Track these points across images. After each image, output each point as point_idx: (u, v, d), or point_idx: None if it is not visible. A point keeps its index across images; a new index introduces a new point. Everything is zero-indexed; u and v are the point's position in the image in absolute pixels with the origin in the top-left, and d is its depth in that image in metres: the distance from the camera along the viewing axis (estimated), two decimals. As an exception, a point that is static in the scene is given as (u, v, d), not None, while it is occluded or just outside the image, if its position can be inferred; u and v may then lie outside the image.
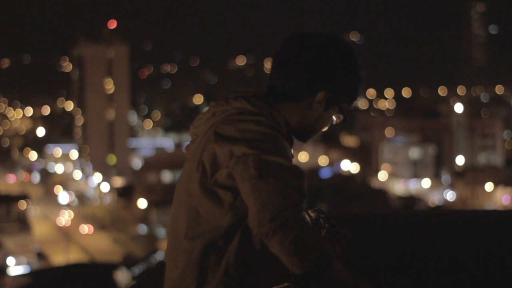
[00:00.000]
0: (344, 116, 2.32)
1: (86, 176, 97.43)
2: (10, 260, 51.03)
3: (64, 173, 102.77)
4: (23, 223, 59.98)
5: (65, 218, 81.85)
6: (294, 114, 2.23)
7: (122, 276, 45.43)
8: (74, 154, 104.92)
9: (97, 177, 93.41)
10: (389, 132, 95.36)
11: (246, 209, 2.05)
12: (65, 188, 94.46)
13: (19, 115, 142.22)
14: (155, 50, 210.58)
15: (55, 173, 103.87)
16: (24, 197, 64.68)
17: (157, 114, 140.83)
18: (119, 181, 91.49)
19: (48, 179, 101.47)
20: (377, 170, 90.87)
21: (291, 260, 1.97)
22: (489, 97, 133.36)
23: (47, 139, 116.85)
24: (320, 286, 2.04)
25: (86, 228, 75.79)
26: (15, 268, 50.47)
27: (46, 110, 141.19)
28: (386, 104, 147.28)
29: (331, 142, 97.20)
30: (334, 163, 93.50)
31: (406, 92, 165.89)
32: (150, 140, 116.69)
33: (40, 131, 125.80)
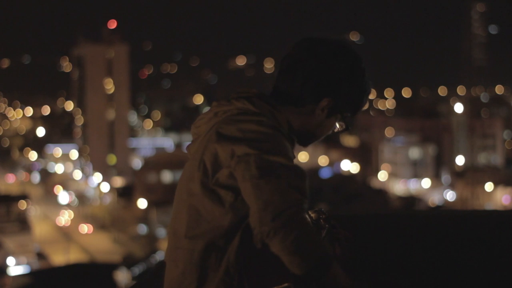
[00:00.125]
0: (346, 125, 2.32)
1: (86, 176, 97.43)
2: (10, 260, 51.05)
3: (64, 173, 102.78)
4: (23, 223, 59.98)
5: (65, 218, 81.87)
6: (296, 118, 2.24)
7: (122, 276, 45.43)
8: (74, 154, 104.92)
9: (97, 177, 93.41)
10: (389, 132, 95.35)
11: (247, 209, 2.05)
12: (65, 188, 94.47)
13: (19, 115, 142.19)
14: (155, 50, 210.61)
15: (55, 173, 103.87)
16: (24, 197, 64.68)
17: (157, 114, 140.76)
18: (119, 181, 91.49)
19: (48, 179, 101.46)
20: (377, 170, 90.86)
21: (292, 260, 1.97)
22: (489, 97, 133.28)
23: (47, 139, 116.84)
24: (320, 287, 2.05)
25: (85, 228, 75.82)
26: (15, 268, 50.49)
27: (46, 110, 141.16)
28: (386, 104, 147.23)
29: (331, 142, 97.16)
30: (334, 163, 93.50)
31: (406, 92, 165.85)
32: (150, 140, 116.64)
33: (40, 131, 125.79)
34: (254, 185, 2.00)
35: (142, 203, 72.46)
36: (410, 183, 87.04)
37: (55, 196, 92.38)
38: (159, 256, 50.04)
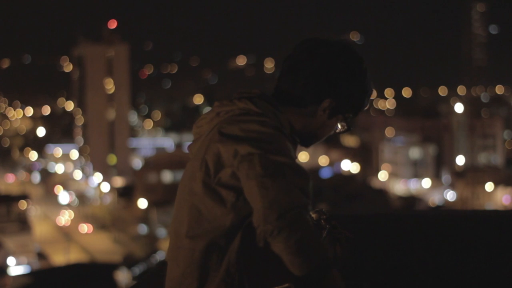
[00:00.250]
0: (347, 125, 2.33)
1: (86, 176, 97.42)
2: (11, 260, 51.00)
3: (65, 173, 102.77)
4: (23, 223, 59.96)
5: (65, 218, 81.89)
6: (298, 119, 2.24)
7: (123, 276, 45.42)
8: (74, 154, 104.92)
9: (98, 177, 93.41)
10: (389, 132, 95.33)
11: (248, 209, 2.05)
12: (66, 188, 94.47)
13: (20, 115, 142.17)
14: (155, 50, 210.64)
15: (55, 173, 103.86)
16: (25, 197, 64.64)
17: (158, 114, 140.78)
18: (119, 181, 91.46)
19: (48, 179, 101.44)
20: (378, 170, 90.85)
21: (293, 261, 1.97)
22: (490, 97, 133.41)
23: (47, 139, 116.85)
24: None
25: (85, 227, 75.84)
26: (16, 268, 50.45)
27: (46, 110, 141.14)
28: (386, 104, 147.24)
29: (331, 142, 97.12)
30: (334, 163, 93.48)
31: (406, 92, 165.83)
32: (151, 140, 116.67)
33: (41, 131, 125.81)
34: (260, 183, 1.99)
35: (142, 203, 72.45)
36: (411, 183, 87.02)
37: (55, 196, 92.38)
38: (160, 256, 50.05)
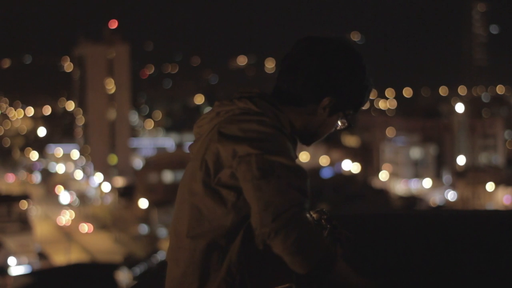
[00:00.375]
0: (348, 122, 2.32)
1: (87, 176, 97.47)
2: (11, 260, 50.99)
3: (65, 173, 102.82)
4: (24, 223, 60.00)
5: (66, 218, 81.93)
6: (298, 117, 2.24)
7: (123, 276, 45.43)
8: (75, 154, 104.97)
9: (98, 177, 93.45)
10: (390, 132, 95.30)
11: (249, 208, 2.05)
12: (66, 188, 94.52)
13: (20, 115, 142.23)
14: (156, 50, 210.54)
15: (56, 173, 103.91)
16: (25, 197, 64.70)
17: (158, 114, 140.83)
18: (120, 181, 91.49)
19: (49, 179, 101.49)
20: (378, 170, 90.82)
21: (294, 260, 1.97)
22: (490, 97, 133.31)
23: (48, 139, 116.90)
24: (323, 286, 2.05)
25: (86, 227, 75.87)
26: (16, 268, 50.45)
27: (47, 110, 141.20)
28: (387, 104, 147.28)
29: (332, 142, 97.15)
30: (335, 163, 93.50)
31: (407, 92, 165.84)
32: (151, 140, 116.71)
33: (41, 131, 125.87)
34: (255, 186, 2.00)
35: (143, 203, 72.48)
36: (411, 183, 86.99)
37: (56, 196, 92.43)
38: (160, 256, 50.04)
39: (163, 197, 67.38)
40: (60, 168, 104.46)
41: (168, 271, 2.24)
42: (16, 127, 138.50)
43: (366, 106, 2.37)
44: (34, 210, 73.53)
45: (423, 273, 3.44)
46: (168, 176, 76.64)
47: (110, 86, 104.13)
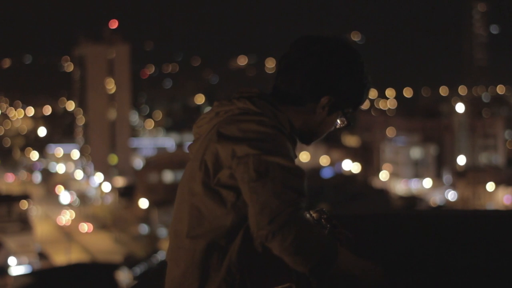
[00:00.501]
0: (348, 121, 2.32)
1: (87, 176, 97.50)
2: (12, 260, 51.03)
3: (66, 173, 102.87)
4: (24, 223, 60.04)
5: (66, 218, 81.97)
6: (297, 117, 2.23)
7: (124, 276, 45.46)
8: (75, 154, 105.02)
9: (99, 177, 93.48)
10: (390, 132, 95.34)
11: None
12: (67, 188, 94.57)
13: (21, 115, 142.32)
14: (156, 50, 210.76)
15: (56, 173, 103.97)
16: (26, 197, 64.75)
17: (159, 114, 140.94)
18: (120, 181, 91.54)
19: (49, 179, 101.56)
20: (379, 170, 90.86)
21: (294, 260, 1.97)
22: (491, 97, 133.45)
23: (48, 139, 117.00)
24: (323, 286, 2.05)
25: (86, 227, 75.90)
26: (17, 268, 50.51)
27: (47, 110, 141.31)
28: (388, 104, 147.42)
29: (332, 142, 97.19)
30: (335, 163, 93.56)
31: (407, 92, 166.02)
32: (152, 140, 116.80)
33: (42, 131, 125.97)
34: (251, 188, 2.00)
35: (143, 203, 72.51)
36: (412, 183, 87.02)
37: (56, 196, 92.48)
38: (160, 256, 50.07)
39: (163, 197, 67.40)
40: (60, 168, 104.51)
41: (168, 271, 2.24)
42: (16, 127, 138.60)
43: (366, 106, 2.37)
44: (34, 210, 73.58)
45: (423, 273, 3.44)
46: (168, 176, 76.66)
47: (110, 86, 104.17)
